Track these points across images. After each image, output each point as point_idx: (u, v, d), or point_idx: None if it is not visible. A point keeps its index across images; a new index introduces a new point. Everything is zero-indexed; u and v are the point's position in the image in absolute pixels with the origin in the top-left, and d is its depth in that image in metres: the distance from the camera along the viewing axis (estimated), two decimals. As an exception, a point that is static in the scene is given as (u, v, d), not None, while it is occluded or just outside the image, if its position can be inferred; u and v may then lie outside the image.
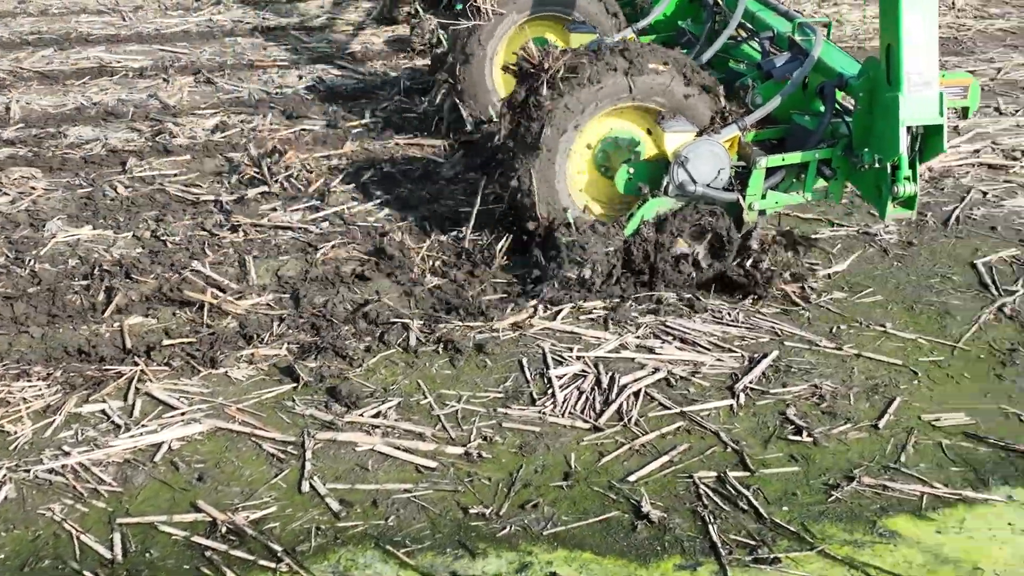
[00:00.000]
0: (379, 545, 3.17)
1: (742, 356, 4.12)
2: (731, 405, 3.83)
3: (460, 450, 3.59)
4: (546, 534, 3.23)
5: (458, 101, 6.19)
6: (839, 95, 4.64)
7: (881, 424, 3.71)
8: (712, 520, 3.26)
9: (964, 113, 4.61)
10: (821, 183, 4.73)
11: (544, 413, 3.78)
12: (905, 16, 4.15)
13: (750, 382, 3.95)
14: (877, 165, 4.40)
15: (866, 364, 4.08)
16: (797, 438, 3.65)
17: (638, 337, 4.22)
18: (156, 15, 8.77)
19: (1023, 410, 3.78)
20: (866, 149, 4.43)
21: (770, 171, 4.62)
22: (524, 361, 4.08)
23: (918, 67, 4.18)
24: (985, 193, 5.52)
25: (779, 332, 4.28)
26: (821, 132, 4.61)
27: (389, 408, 3.78)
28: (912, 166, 4.37)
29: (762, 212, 4.68)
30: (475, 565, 3.11)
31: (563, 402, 3.84)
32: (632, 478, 3.46)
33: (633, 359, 4.09)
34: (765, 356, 4.10)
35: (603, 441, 3.65)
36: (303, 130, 6.34)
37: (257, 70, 7.48)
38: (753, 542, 3.19)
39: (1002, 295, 4.52)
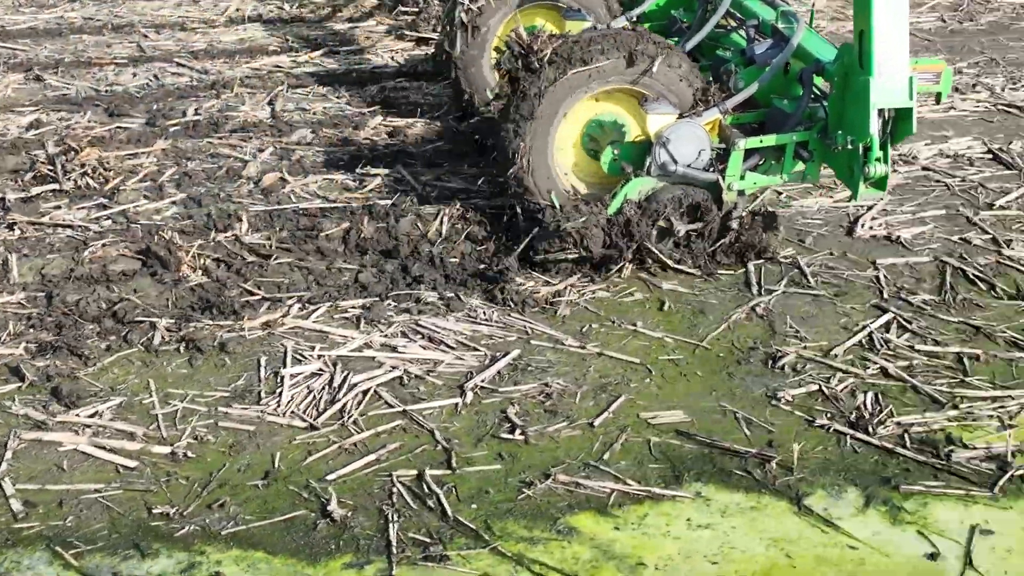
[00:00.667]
0: (50, 547, 3.16)
1: (485, 355, 4.15)
2: (456, 404, 3.87)
3: (167, 450, 3.58)
4: (224, 534, 3.23)
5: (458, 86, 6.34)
6: (819, 80, 4.78)
7: (597, 422, 3.74)
8: (395, 519, 3.28)
9: (937, 98, 4.82)
10: (801, 165, 4.86)
11: (265, 412, 3.79)
12: (876, 4, 4.31)
13: (482, 381, 3.97)
14: (850, 147, 4.53)
15: (605, 363, 4.12)
16: (510, 436, 3.68)
17: (386, 336, 4.24)
18: (6, 11, 8.70)
19: (741, 408, 3.83)
20: (839, 131, 4.57)
21: (749, 153, 4.80)
22: (263, 360, 4.08)
23: (888, 52, 4.34)
24: (780, 192, 5.60)
25: (529, 331, 4.32)
26: (798, 116, 4.78)
27: (108, 408, 3.77)
28: (883, 148, 4.49)
29: (741, 192, 4.84)
30: (142, 565, 3.10)
31: (288, 401, 3.85)
32: (331, 477, 3.46)
33: (374, 358, 4.10)
34: (506, 355, 4.14)
35: (315, 440, 3.65)
36: (119, 127, 6.31)
37: (93, 68, 7.45)
38: (429, 540, 3.21)
39: (761, 295, 4.60)
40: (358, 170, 5.71)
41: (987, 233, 5.10)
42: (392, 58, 7.79)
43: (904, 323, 4.34)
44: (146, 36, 8.16)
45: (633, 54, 4.81)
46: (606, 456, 3.58)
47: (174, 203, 5.37)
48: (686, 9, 6.16)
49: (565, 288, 4.61)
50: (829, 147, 4.65)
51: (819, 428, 3.71)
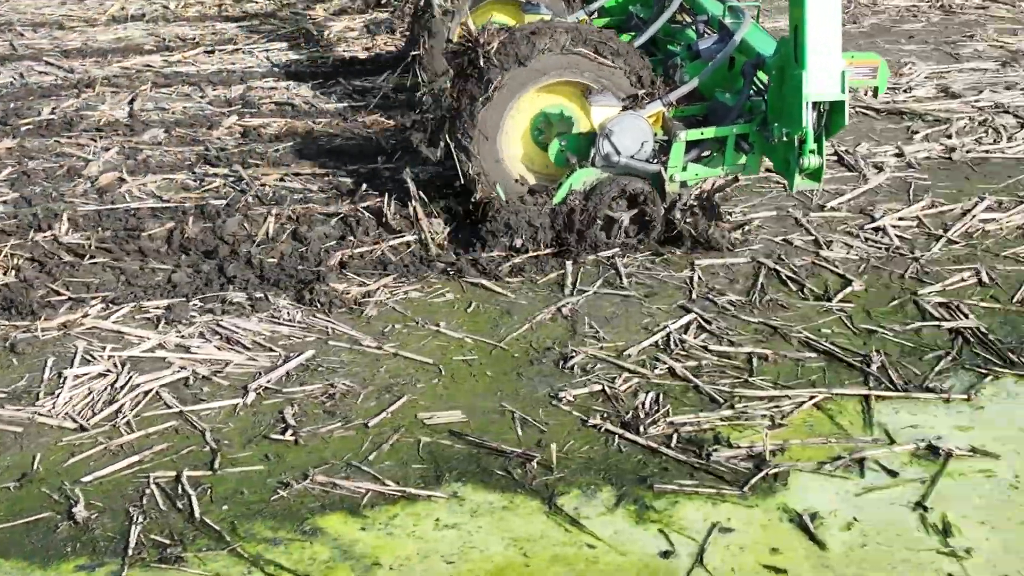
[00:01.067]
0: None
1: (279, 356, 4.14)
2: (236, 404, 3.85)
3: (-77, 452, 3.57)
4: (-37, 536, 3.23)
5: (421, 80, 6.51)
6: (765, 75, 4.89)
7: (372, 423, 3.74)
8: (139, 520, 3.26)
9: (875, 92, 4.95)
10: (743, 157, 4.98)
11: (37, 413, 3.76)
12: (809, 0, 4.44)
13: (267, 381, 3.96)
14: (785, 139, 4.65)
15: (398, 363, 4.12)
16: (280, 437, 3.67)
17: (182, 336, 4.22)
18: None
19: (521, 408, 3.83)
20: (776, 124, 4.69)
21: (692, 144, 4.92)
22: (50, 361, 4.05)
23: (821, 47, 4.45)
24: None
25: (330, 332, 4.31)
26: (738, 108, 4.92)
27: None
28: (818, 140, 4.61)
29: (684, 183, 4.95)
30: None
31: (64, 402, 3.82)
32: (88, 479, 3.44)
33: (164, 359, 4.09)
34: (300, 355, 4.14)
35: (82, 441, 3.63)
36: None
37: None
38: (169, 542, 3.19)
39: (573, 295, 4.62)
40: (197, 170, 5.72)
41: (811, 235, 5.17)
42: (267, 57, 7.81)
43: (704, 324, 4.38)
44: (22, 35, 8.12)
45: (577, 47, 4.87)
46: (372, 457, 3.58)
47: (4, 202, 5.34)
48: (643, 5, 6.32)
49: (378, 289, 4.63)
50: (767, 139, 4.80)
51: (591, 428, 3.73)
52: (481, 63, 4.94)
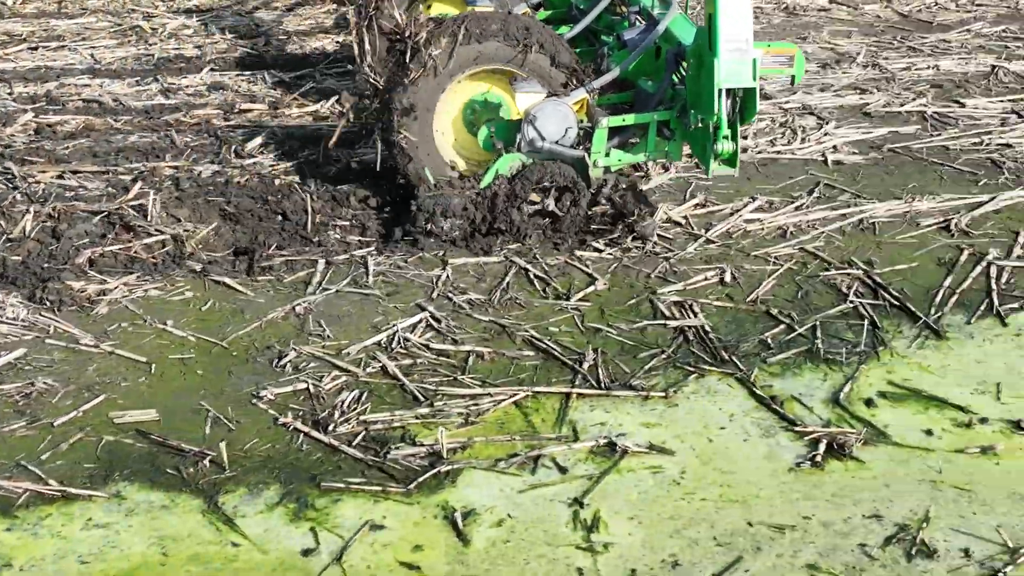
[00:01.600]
0: None
1: (-11, 355, 4.10)
2: (-79, 404, 3.81)
3: None
4: None
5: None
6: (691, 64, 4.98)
7: (60, 422, 3.69)
8: None
9: (792, 80, 5.09)
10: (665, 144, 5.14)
11: None
12: None
13: (-34, 380, 3.93)
14: (700, 125, 4.77)
15: (110, 362, 4.07)
16: (-48, 437, 3.65)
17: None
18: None
19: (219, 407, 3.78)
20: (692, 111, 4.82)
21: (616, 131, 5.05)
22: None
23: (733, 35, 4.54)
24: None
25: (51, 330, 4.24)
26: (659, 96, 5.05)
27: None
28: (732, 127, 4.72)
29: (607, 169, 5.06)
30: None
31: None
32: None
33: None
34: (8, 354, 4.08)
35: None
36: None
37: None
38: None
39: (315, 294, 4.60)
40: (-32, 167, 5.65)
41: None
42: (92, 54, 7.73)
43: (433, 323, 4.40)
44: None
45: (506, 36, 5.06)
46: (46, 456, 3.53)
47: None
48: None
49: (116, 287, 4.58)
50: (686, 126, 4.92)
51: (280, 427, 3.72)
52: (410, 53, 5.10)
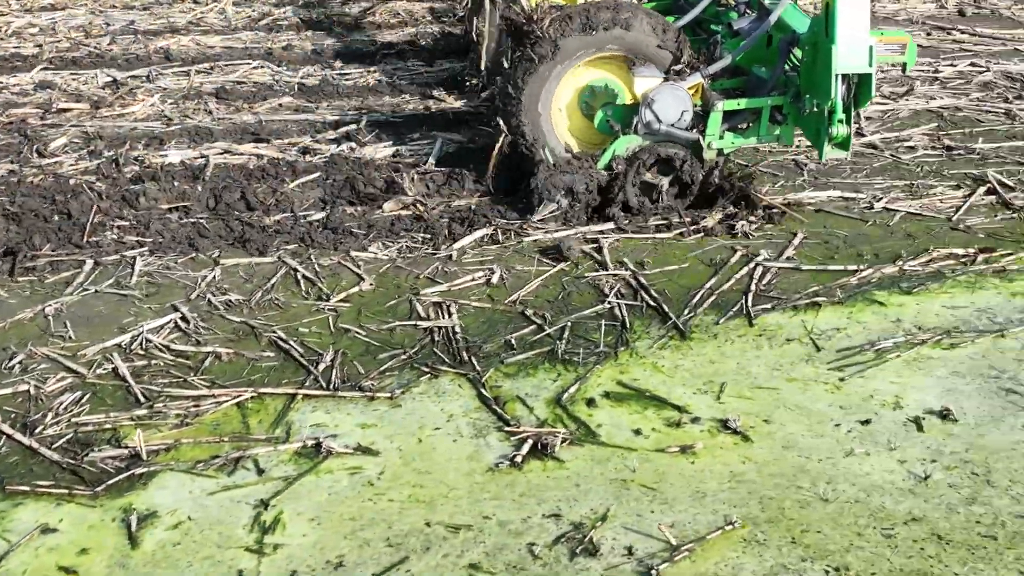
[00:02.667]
0: None
1: None
2: None
3: None
4: None
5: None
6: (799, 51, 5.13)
7: None
8: None
9: (903, 68, 5.17)
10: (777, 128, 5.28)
11: None
12: None
13: None
14: (816, 110, 4.93)
15: None
16: None
17: None
18: None
19: (-68, 409, 3.79)
20: (807, 96, 4.98)
21: (729, 115, 5.21)
22: None
23: (850, 23, 4.71)
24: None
25: None
26: (773, 81, 5.20)
27: None
28: (846, 111, 4.87)
29: (720, 151, 5.26)
30: None
31: None
32: None
33: None
34: None
35: None
36: None
37: None
38: None
39: (73, 295, 4.56)
40: None
41: (354, 235, 5.19)
42: None
43: (182, 323, 4.36)
44: None
45: (626, 24, 5.26)
46: None
47: None
48: None
49: None
50: (800, 111, 5.07)
51: (-14, 429, 3.70)
52: (534, 39, 5.32)
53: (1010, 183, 5.65)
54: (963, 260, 4.84)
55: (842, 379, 3.95)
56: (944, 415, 3.71)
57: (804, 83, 5.04)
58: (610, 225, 5.16)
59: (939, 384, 3.90)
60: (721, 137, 5.22)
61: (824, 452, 3.54)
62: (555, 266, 4.81)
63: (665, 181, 5.22)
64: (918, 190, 5.63)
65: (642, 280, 4.67)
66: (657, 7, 6.55)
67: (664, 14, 6.10)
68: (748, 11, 5.86)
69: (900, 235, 5.12)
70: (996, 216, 5.31)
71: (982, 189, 5.58)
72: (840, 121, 4.87)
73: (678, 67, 5.29)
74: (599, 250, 4.94)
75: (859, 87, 4.89)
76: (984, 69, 7.55)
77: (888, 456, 3.51)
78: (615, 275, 4.74)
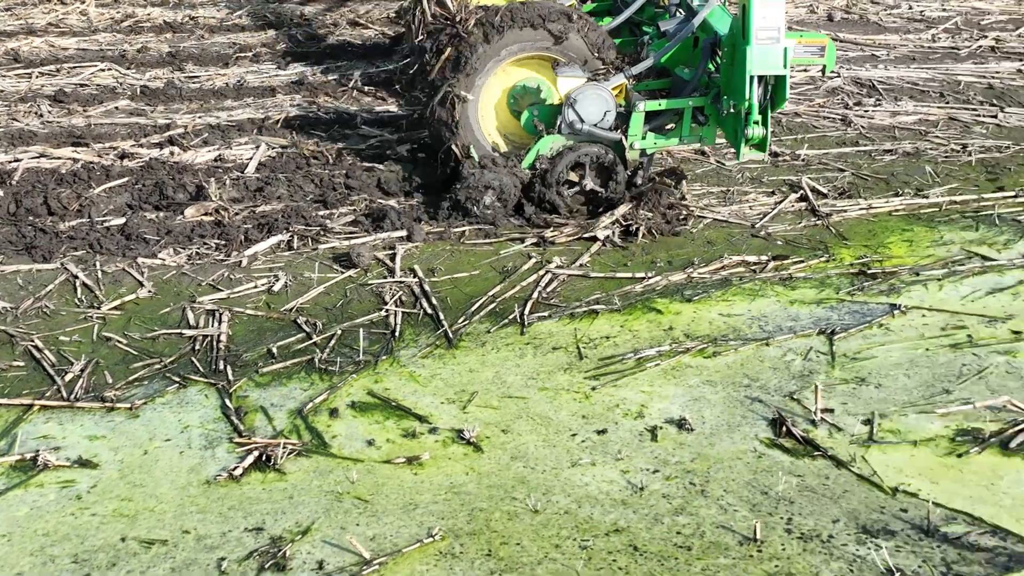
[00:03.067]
0: None
1: None
2: None
3: None
4: None
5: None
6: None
7: None
8: None
9: (823, 70, 5.25)
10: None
11: None
12: None
13: None
14: (732, 111, 4.96)
15: None
16: None
17: None
18: None
19: None
20: (725, 97, 5.02)
21: (652, 115, 5.24)
22: None
23: (765, 24, 4.74)
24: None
25: None
26: (694, 83, 5.25)
27: None
28: (763, 113, 4.90)
29: (643, 151, 5.33)
30: None
31: None
32: None
33: None
34: None
35: None
36: None
37: None
38: None
39: None
40: None
41: (145, 240, 5.11)
42: None
43: (-63, 332, 4.26)
44: None
45: (548, 24, 5.31)
46: None
47: None
48: None
49: None
50: (719, 112, 5.10)
51: None
52: (458, 39, 5.36)
53: (824, 190, 5.69)
54: (753, 268, 4.86)
55: (594, 388, 3.92)
56: (681, 424, 3.70)
57: (723, 84, 5.07)
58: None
59: (688, 393, 3.89)
60: (644, 137, 5.26)
61: (551, 463, 3.51)
62: (343, 273, 4.78)
63: (588, 180, 5.21)
64: (732, 196, 5.65)
65: (426, 287, 4.62)
66: (598, 8, 6.67)
67: (604, 15, 6.29)
68: (679, 13, 5.87)
69: (700, 242, 5.13)
70: (800, 223, 5.34)
71: (794, 196, 5.62)
72: (756, 122, 4.89)
73: (602, 67, 5.35)
74: (393, 257, 4.91)
75: (775, 89, 4.91)
76: (835, 75, 7.60)
77: (613, 466, 3.48)
78: (400, 282, 4.70)
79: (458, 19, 5.45)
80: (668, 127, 5.35)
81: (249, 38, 8.41)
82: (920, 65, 7.87)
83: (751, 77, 4.78)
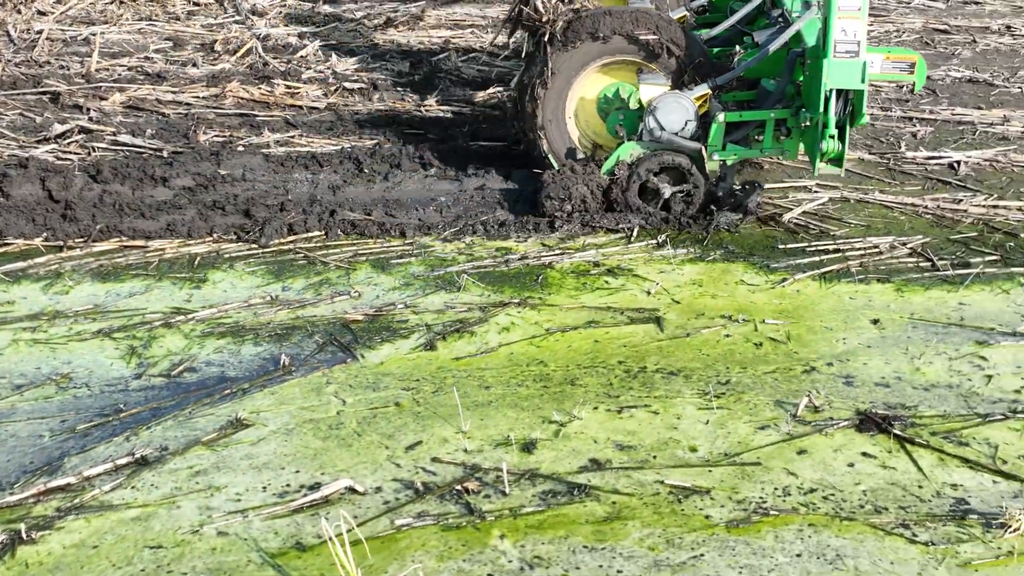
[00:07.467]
0: None
1: None
2: None
3: None
4: None
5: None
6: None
7: None
8: None
9: (913, 87, 5.41)
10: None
11: None
12: None
13: None
14: (810, 124, 5.03)
15: None
16: None
17: None
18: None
19: None
20: (803, 110, 5.11)
21: (734, 126, 5.35)
22: None
23: (844, 37, 4.81)
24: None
25: None
26: (777, 94, 5.32)
27: None
28: (840, 127, 4.96)
29: (723, 162, 5.40)
30: None
31: None
32: None
33: None
34: None
35: None
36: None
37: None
38: None
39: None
40: None
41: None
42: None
43: None
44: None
45: (635, 32, 5.48)
46: None
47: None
48: (743, 0, 6.53)
49: None
50: (800, 124, 5.15)
51: None
52: (547, 40, 5.53)
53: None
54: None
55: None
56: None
57: (804, 97, 5.10)
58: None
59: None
60: (723, 148, 5.28)
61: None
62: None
63: (667, 188, 5.28)
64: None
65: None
66: (711, 19, 6.62)
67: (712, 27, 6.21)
68: (781, 23, 5.88)
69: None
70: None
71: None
72: (832, 137, 4.85)
73: (686, 76, 5.42)
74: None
75: (855, 103, 4.87)
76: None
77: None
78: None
79: (546, 19, 5.54)
80: (758, 138, 5.33)
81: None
82: None
83: (828, 90, 4.73)
